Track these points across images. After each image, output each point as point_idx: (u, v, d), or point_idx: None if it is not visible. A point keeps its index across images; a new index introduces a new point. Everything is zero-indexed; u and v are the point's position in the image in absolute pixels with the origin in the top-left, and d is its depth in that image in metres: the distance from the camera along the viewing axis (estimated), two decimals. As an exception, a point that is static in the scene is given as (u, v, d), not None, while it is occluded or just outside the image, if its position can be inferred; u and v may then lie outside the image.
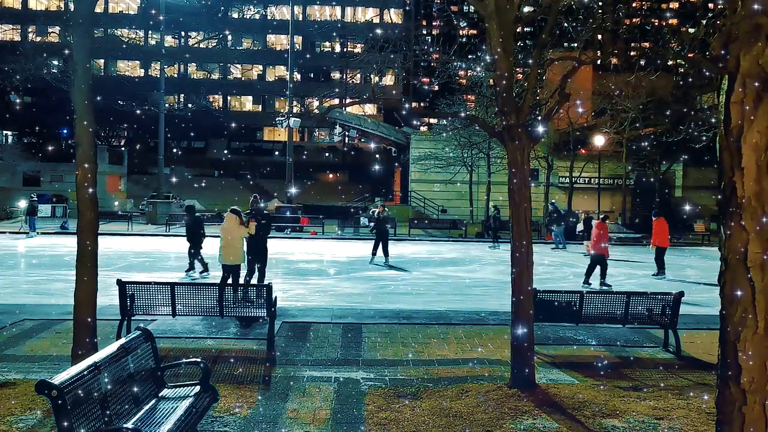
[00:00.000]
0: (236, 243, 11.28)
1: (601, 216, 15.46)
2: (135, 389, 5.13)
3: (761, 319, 3.35)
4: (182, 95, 70.25)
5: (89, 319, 6.92)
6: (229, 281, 11.31)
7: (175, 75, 66.84)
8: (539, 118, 8.57)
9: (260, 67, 70.52)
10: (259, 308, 8.88)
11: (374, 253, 19.49)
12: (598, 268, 15.09)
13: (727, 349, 3.47)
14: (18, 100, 52.72)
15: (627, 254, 23.60)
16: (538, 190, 35.83)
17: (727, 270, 3.47)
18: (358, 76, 57.79)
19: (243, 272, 12.32)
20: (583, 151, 36.40)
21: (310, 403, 6.51)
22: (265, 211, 14.33)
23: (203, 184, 51.25)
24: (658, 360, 8.67)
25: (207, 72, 70.50)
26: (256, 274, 12.65)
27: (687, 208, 37.70)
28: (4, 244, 23.47)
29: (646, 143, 34.97)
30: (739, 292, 3.40)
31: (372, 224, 21.27)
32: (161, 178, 37.96)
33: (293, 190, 35.07)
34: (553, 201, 29.44)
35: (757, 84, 3.31)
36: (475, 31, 76.53)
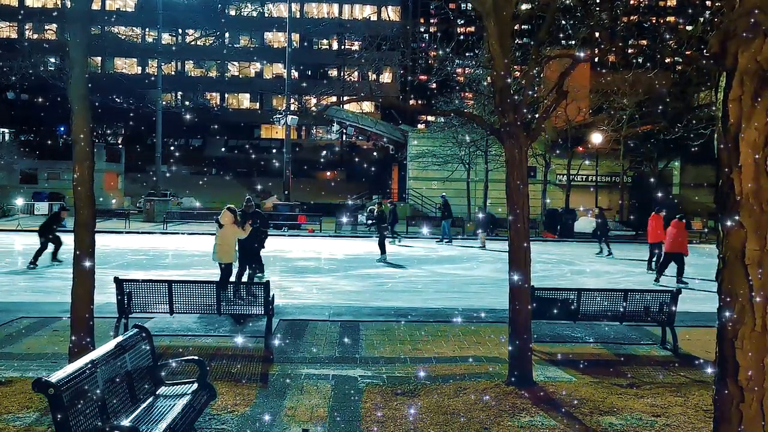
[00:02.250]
0: (230, 242, 11.24)
1: (677, 216, 15.81)
2: (132, 387, 5.13)
3: (759, 317, 3.35)
4: (180, 93, 70.24)
5: (86, 317, 6.91)
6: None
7: (173, 72, 66.72)
8: (537, 115, 8.56)
9: (258, 64, 70.44)
10: (256, 306, 8.87)
11: (383, 250, 19.39)
12: (672, 266, 15.57)
13: (724, 347, 3.47)
14: (15, 98, 52.58)
15: (624, 252, 23.62)
16: (535, 187, 35.81)
17: (725, 267, 3.47)
18: (356, 73, 57.79)
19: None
20: (581, 149, 36.40)
21: (308, 401, 6.50)
22: (259, 210, 14.28)
23: (201, 182, 51.20)
24: (655, 357, 8.69)
25: (204, 69, 70.38)
26: (247, 272, 12.67)
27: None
28: (1, 242, 23.42)
29: (644, 141, 34.97)
30: (736, 290, 3.40)
31: (370, 222, 21.24)
32: (159, 176, 37.92)
33: (291, 188, 35.03)
34: (443, 194, 29.32)
35: (755, 81, 3.31)
36: (472, 29, 76.52)
